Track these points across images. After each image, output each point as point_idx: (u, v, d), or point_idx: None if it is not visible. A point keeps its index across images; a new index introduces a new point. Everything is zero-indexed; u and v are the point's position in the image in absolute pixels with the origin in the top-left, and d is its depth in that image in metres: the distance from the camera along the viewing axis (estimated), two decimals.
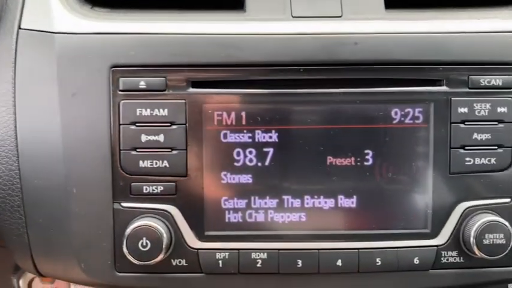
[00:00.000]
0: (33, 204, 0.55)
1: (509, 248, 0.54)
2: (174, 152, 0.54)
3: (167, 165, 0.54)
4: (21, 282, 0.74)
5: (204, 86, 0.54)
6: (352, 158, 0.55)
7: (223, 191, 0.56)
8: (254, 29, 0.54)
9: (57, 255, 0.56)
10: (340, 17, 0.56)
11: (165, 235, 0.53)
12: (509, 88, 0.55)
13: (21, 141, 0.55)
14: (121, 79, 0.54)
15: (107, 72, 0.54)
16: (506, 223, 0.54)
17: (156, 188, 0.54)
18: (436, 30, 0.55)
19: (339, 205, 0.56)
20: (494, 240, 0.54)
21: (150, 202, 0.55)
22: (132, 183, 0.54)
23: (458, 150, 0.55)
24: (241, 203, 0.56)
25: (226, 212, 0.56)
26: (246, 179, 0.56)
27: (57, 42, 0.55)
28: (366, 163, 0.55)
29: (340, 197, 0.56)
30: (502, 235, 0.54)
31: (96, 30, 0.55)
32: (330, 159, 0.55)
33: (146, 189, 0.54)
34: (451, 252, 0.56)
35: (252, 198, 0.56)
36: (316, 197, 0.56)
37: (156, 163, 0.54)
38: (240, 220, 0.56)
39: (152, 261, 0.53)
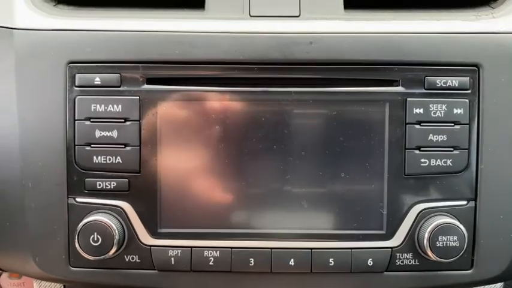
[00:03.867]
0: None
1: (463, 250, 0.53)
2: (128, 148, 0.54)
3: (120, 161, 0.54)
4: None
5: (158, 83, 0.55)
6: (307, 158, 0.55)
7: (177, 188, 0.55)
8: (210, 27, 0.55)
9: (13, 249, 0.57)
10: (297, 16, 0.56)
11: (117, 231, 0.53)
12: (466, 89, 0.54)
13: None
14: (77, 75, 0.54)
15: (63, 68, 0.54)
16: (461, 226, 0.53)
17: (110, 184, 0.55)
18: (392, 31, 0.55)
19: (293, 204, 0.56)
20: (448, 242, 0.53)
21: (104, 198, 0.55)
22: (86, 179, 0.55)
23: (413, 151, 0.54)
24: (195, 201, 0.55)
25: (180, 209, 0.55)
26: (201, 176, 0.55)
27: (16, 37, 0.55)
28: (320, 163, 0.55)
29: (294, 196, 0.56)
30: (455, 237, 0.53)
31: (54, 27, 0.55)
32: (284, 157, 0.55)
33: (100, 184, 0.55)
34: (406, 254, 0.55)
35: (206, 195, 0.56)
36: (273, 191, 0.56)
37: (110, 159, 0.54)
38: (194, 218, 0.56)
39: (104, 256, 0.53)
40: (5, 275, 0.74)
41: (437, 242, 0.53)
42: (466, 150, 0.55)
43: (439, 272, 0.56)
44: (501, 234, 0.55)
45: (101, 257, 0.53)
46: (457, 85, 0.54)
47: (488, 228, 0.55)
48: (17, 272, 0.62)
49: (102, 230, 0.53)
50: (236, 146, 0.55)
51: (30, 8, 0.57)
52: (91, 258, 0.53)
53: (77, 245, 0.53)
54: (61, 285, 0.64)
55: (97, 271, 0.56)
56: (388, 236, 0.55)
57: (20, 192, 0.55)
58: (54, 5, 0.59)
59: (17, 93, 0.55)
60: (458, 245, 0.53)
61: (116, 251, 0.54)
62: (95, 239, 0.53)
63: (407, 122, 0.54)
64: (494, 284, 0.65)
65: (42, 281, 0.65)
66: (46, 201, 0.55)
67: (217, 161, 0.55)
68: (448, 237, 0.53)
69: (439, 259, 0.53)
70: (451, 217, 0.54)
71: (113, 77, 0.54)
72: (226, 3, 0.57)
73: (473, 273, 0.56)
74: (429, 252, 0.53)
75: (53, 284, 0.64)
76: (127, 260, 0.55)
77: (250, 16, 0.56)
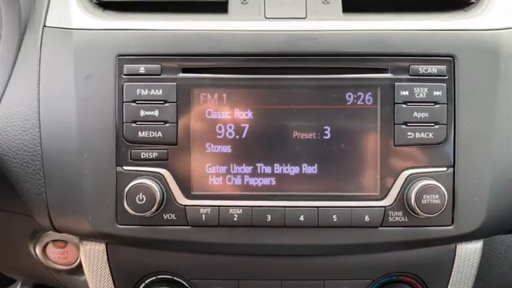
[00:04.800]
0: (51, 168, 0.67)
1: (444, 207, 0.64)
2: (167, 124, 0.66)
3: (160, 135, 0.66)
4: (37, 248, 0.85)
5: (192, 72, 0.67)
6: (313, 133, 0.67)
7: (207, 158, 0.67)
8: (233, 27, 0.67)
9: (69, 210, 0.68)
10: (304, 18, 0.69)
11: (158, 192, 0.65)
12: (443, 76, 0.66)
13: (43, 116, 0.67)
14: (125, 65, 0.66)
15: (113, 60, 0.66)
16: (442, 186, 0.64)
17: (151, 154, 0.66)
18: (382, 29, 0.67)
19: (303, 172, 0.67)
20: (431, 200, 0.64)
21: (146, 166, 0.66)
22: (132, 150, 0.66)
23: (401, 126, 0.66)
24: (222, 169, 0.67)
25: (209, 176, 0.67)
26: (226, 149, 0.67)
27: (74, 36, 0.68)
28: (324, 137, 0.67)
29: (303, 165, 0.67)
30: (437, 196, 0.64)
31: (105, 27, 0.68)
32: (295, 134, 0.67)
33: (143, 155, 0.66)
34: (396, 212, 0.67)
35: (231, 165, 0.67)
36: (284, 164, 0.67)
37: (152, 133, 0.66)
38: (221, 183, 0.67)
39: (147, 212, 0.64)
40: (51, 244, 0.85)
41: (422, 200, 0.64)
42: (445, 125, 0.66)
43: (424, 228, 0.67)
44: (476, 195, 0.67)
45: (144, 213, 0.64)
46: (436, 72, 0.66)
47: (464, 190, 0.66)
48: (71, 232, 0.73)
49: (146, 190, 0.64)
50: (256, 123, 0.66)
51: (85, 13, 0.69)
52: (136, 214, 0.64)
53: (125, 204, 0.64)
54: (104, 247, 0.75)
55: (139, 228, 0.67)
56: (382, 197, 0.66)
57: (77, 162, 0.67)
58: (103, 10, 0.72)
59: (75, 81, 0.67)
60: (439, 202, 0.64)
61: (156, 210, 0.65)
62: (140, 198, 0.64)
63: (395, 102, 0.66)
64: (474, 246, 0.76)
65: (87, 245, 0.76)
66: (98, 169, 0.67)
67: (238, 135, 0.67)
68: (431, 195, 0.64)
69: (424, 214, 0.64)
70: (433, 180, 0.65)
71: (155, 67, 0.66)
72: (245, 8, 0.70)
73: (453, 229, 0.67)
74: (416, 209, 0.64)
75: (96, 245, 0.75)
76: (165, 217, 0.67)
77: (266, 18, 0.69)
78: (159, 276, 0.76)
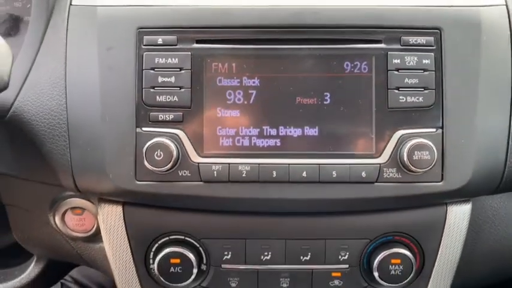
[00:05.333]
0: (75, 130, 0.74)
1: (434, 162, 0.71)
2: (182, 89, 0.73)
3: (176, 100, 0.73)
4: (56, 216, 0.91)
5: (204, 43, 0.74)
6: (315, 98, 0.74)
7: (218, 121, 0.74)
8: (243, 2, 0.74)
9: (91, 169, 0.74)
10: None
11: (174, 150, 0.71)
12: (431, 46, 0.73)
13: (69, 84, 0.74)
14: (144, 37, 0.73)
15: (134, 32, 0.74)
16: (431, 144, 0.71)
17: (168, 116, 0.73)
18: (377, 4, 0.74)
19: (305, 134, 0.74)
20: (422, 156, 0.71)
21: (163, 127, 0.73)
22: (150, 113, 0.73)
23: (394, 90, 0.73)
24: (231, 132, 0.74)
25: (220, 137, 0.74)
26: (235, 113, 0.74)
27: (98, 12, 0.75)
28: (325, 102, 0.74)
29: (305, 127, 0.74)
30: (427, 152, 0.71)
31: (127, 3, 0.75)
32: (298, 99, 0.74)
33: (161, 117, 0.73)
34: (391, 169, 0.73)
35: (240, 128, 0.74)
36: (287, 127, 0.74)
37: (168, 98, 0.73)
38: (230, 144, 0.74)
39: (164, 167, 0.71)
40: (69, 212, 0.91)
41: (414, 156, 0.71)
42: (433, 90, 0.73)
43: (416, 183, 0.73)
44: (463, 154, 0.73)
45: (162, 168, 0.71)
46: (424, 43, 0.73)
47: (452, 149, 0.73)
48: (92, 191, 0.78)
49: (163, 148, 0.71)
50: (262, 89, 0.73)
51: None
52: (154, 169, 0.71)
53: (144, 160, 0.71)
54: (121, 209, 0.81)
55: (156, 183, 0.73)
56: (377, 155, 0.73)
57: (100, 125, 0.73)
58: None
59: (99, 52, 0.74)
60: (429, 158, 0.71)
61: (172, 166, 0.72)
62: (158, 154, 0.71)
63: (388, 69, 0.73)
64: (464, 208, 0.82)
65: (105, 207, 0.82)
66: (119, 131, 0.73)
67: (246, 100, 0.73)
68: (422, 152, 0.71)
69: (415, 169, 0.71)
70: (424, 139, 0.72)
71: (171, 38, 0.73)
72: None
73: (442, 185, 0.74)
74: (408, 165, 0.71)
75: (113, 207, 0.81)
76: (180, 174, 0.73)
77: None
78: (171, 237, 0.82)
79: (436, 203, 0.80)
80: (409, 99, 0.73)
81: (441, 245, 0.82)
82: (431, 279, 0.84)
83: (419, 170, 0.71)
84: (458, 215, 0.81)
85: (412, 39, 0.73)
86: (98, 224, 0.89)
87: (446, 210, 0.81)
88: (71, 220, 0.91)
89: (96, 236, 0.91)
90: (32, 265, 1.10)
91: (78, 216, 0.91)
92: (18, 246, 1.08)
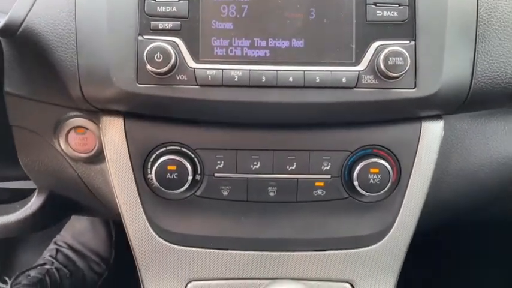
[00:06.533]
0: (83, 39, 0.81)
1: (407, 68, 0.79)
2: (181, 1, 0.80)
3: (175, 10, 0.80)
4: (60, 136, 0.97)
5: None
6: (302, 12, 0.81)
7: (212, 32, 0.81)
8: None
9: (97, 74, 0.81)
10: None
11: (172, 54, 0.78)
12: None
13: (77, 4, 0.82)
14: None
15: None
16: (405, 51, 0.79)
17: (168, 25, 0.80)
18: None
19: (292, 45, 0.82)
20: (396, 61, 0.79)
21: (163, 35, 0.80)
22: (152, 22, 0.80)
23: (371, 5, 0.81)
24: (225, 42, 0.81)
25: (215, 47, 0.81)
26: (229, 26, 0.82)
27: None
28: (310, 16, 0.81)
29: (293, 39, 0.82)
30: (401, 58, 0.79)
31: None
32: (286, 13, 0.81)
33: (161, 26, 0.80)
34: (368, 76, 0.81)
35: (232, 39, 0.82)
36: (276, 39, 0.82)
37: (168, 8, 0.80)
38: (224, 53, 0.81)
39: (163, 69, 0.78)
40: (72, 132, 0.97)
41: (389, 61, 0.79)
42: (407, 6, 0.81)
43: (392, 89, 0.81)
44: (433, 65, 0.81)
45: (161, 70, 0.78)
46: None
47: (424, 60, 0.81)
48: (97, 99, 0.85)
49: (163, 51, 0.78)
50: (254, 4, 0.81)
51: None
52: (154, 70, 0.78)
53: (145, 62, 0.78)
54: (122, 120, 0.88)
55: (155, 86, 0.80)
56: (356, 63, 0.81)
57: (105, 34, 0.80)
58: None
59: None
60: (403, 63, 0.78)
61: (171, 70, 0.79)
62: (158, 56, 0.78)
63: None
64: (437, 125, 0.90)
65: (107, 119, 0.89)
66: (123, 39, 0.80)
67: (238, 14, 0.81)
68: (397, 58, 0.78)
69: (390, 73, 0.79)
70: (398, 47, 0.80)
71: None
72: None
73: (415, 91, 0.81)
74: (384, 70, 0.79)
75: (115, 119, 0.88)
76: (178, 78, 0.80)
77: None
78: (168, 148, 0.89)
79: (411, 117, 0.88)
80: (385, 13, 0.81)
81: (416, 159, 0.90)
82: (407, 192, 0.91)
83: (394, 74, 0.79)
84: (432, 130, 0.89)
85: None
86: (99, 144, 0.96)
87: (421, 126, 0.89)
88: (74, 139, 0.97)
89: (97, 157, 0.97)
90: (34, 198, 1.15)
91: (81, 135, 0.97)
92: (21, 192, 1.15)
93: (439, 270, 1.83)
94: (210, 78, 0.80)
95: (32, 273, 1.75)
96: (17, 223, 1.17)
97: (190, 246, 0.93)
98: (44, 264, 1.78)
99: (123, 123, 0.88)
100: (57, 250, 1.87)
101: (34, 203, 1.16)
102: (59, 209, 1.27)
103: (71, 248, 1.88)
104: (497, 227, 1.64)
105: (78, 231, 1.89)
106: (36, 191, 1.16)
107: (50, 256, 1.83)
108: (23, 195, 1.20)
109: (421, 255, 1.61)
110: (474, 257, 1.77)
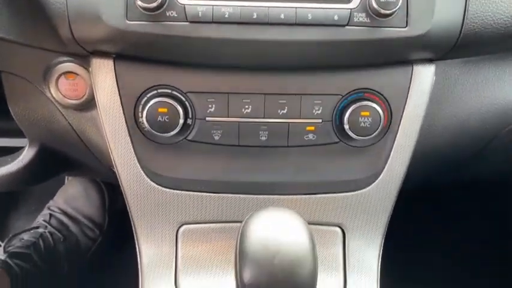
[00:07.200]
0: None
1: (398, 5, 0.78)
2: None
3: None
4: (50, 83, 0.96)
5: None
6: None
7: None
8: None
9: (86, 13, 0.80)
10: None
11: None
12: None
13: None
14: None
15: None
16: None
17: None
18: None
19: None
20: None
21: None
22: None
23: None
24: None
25: None
26: None
27: None
28: None
29: None
30: None
31: None
32: None
33: None
34: (360, 14, 0.80)
35: None
36: None
37: None
38: None
39: (153, 4, 0.77)
40: (63, 77, 0.96)
41: None
42: None
43: (383, 28, 0.81)
44: (424, 3, 0.81)
45: (150, 5, 0.77)
46: None
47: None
48: (86, 39, 0.84)
49: None
50: None
51: None
52: (144, 6, 0.77)
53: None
54: (112, 62, 0.87)
55: (145, 23, 0.79)
56: (348, 1, 0.80)
57: None
58: None
59: None
60: (395, 0, 0.78)
61: (161, 6, 0.78)
62: None
63: None
64: (428, 69, 0.90)
65: (98, 62, 0.88)
66: None
67: None
68: None
69: (382, 10, 0.78)
70: None
71: None
72: None
73: (407, 30, 0.81)
74: (375, 7, 0.78)
75: (105, 61, 0.87)
76: (168, 14, 0.79)
77: None
78: (159, 90, 0.88)
79: (402, 60, 0.88)
80: None
81: (407, 103, 0.90)
82: (397, 136, 0.92)
83: (385, 11, 0.78)
84: (423, 75, 0.89)
85: None
86: (90, 90, 0.95)
87: (412, 70, 0.89)
88: (64, 85, 0.96)
89: (88, 104, 0.97)
90: (25, 151, 1.15)
91: (71, 81, 0.96)
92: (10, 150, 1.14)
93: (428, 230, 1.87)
94: (200, 15, 0.79)
95: (26, 236, 1.75)
96: (9, 176, 1.17)
97: (182, 190, 0.93)
98: (38, 227, 1.78)
99: (113, 66, 0.88)
100: (51, 215, 1.87)
101: (26, 155, 1.16)
102: (50, 163, 1.27)
103: (64, 213, 1.88)
104: (481, 187, 1.68)
105: (71, 197, 1.89)
106: (28, 144, 1.16)
107: (44, 221, 1.83)
108: (12, 153, 1.20)
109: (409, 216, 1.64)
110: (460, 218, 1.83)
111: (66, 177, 1.99)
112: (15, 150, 1.19)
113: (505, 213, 1.86)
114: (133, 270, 1.05)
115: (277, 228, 0.63)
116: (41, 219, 1.85)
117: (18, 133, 1.13)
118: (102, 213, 1.92)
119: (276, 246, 0.60)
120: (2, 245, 1.72)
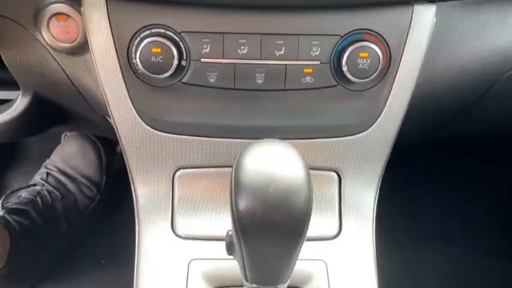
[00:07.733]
0: None
1: None
2: None
3: None
4: (41, 26, 0.94)
5: None
6: None
7: None
8: None
9: None
10: None
11: None
12: None
13: None
14: None
15: None
16: None
17: None
18: None
19: None
20: None
21: None
22: None
23: None
24: None
25: None
26: None
27: None
28: None
29: None
30: None
31: None
32: None
33: None
34: None
35: None
36: None
37: None
38: None
39: None
40: (54, 19, 0.94)
41: None
42: None
43: None
44: None
45: None
46: None
47: None
48: None
49: None
50: None
51: None
52: None
53: None
54: (104, 2, 0.85)
55: None
56: None
57: None
58: None
59: None
60: None
61: None
62: None
63: None
64: (429, 10, 0.88)
65: (88, 3, 0.85)
66: None
67: None
68: None
69: None
70: None
71: None
72: None
73: None
74: None
75: (97, 1, 0.84)
76: None
77: None
78: (153, 30, 0.86)
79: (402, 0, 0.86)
80: None
81: (406, 45, 0.88)
82: (396, 79, 0.90)
83: None
84: (424, 16, 0.87)
85: None
86: (82, 33, 0.93)
87: (413, 11, 0.87)
88: (56, 28, 0.94)
89: (80, 47, 0.95)
90: (18, 100, 1.13)
91: (63, 23, 0.93)
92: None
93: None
94: None
95: (23, 194, 1.75)
96: (2, 126, 1.16)
97: (178, 134, 0.92)
98: (35, 185, 1.78)
99: (105, 5, 0.85)
100: (48, 173, 1.86)
101: (19, 105, 1.14)
102: (44, 114, 1.25)
103: (61, 171, 1.88)
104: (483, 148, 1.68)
105: (68, 155, 1.89)
106: (21, 93, 1.14)
107: (41, 179, 1.83)
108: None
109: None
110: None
111: (63, 136, 1.98)
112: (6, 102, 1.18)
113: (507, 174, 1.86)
114: (131, 228, 1.05)
115: (272, 158, 0.62)
116: (38, 177, 1.84)
117: (12, 84, 1.11)
118: (99, 172, 1.91)
119: (270, 174, 0.60)
120: (0, 201, 1.72)
